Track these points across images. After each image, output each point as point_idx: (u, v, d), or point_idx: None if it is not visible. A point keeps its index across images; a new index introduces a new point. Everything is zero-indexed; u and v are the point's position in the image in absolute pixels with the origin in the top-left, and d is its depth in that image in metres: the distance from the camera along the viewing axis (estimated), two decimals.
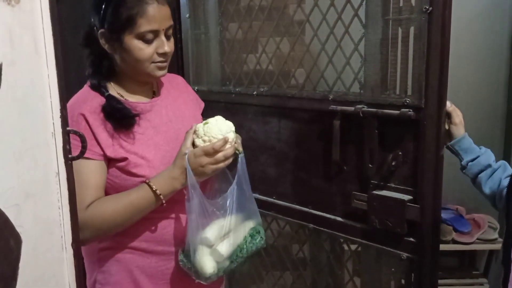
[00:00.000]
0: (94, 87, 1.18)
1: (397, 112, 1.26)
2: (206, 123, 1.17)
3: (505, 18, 2.20)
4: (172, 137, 1.22)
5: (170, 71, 1.81)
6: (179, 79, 1.42)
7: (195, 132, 1.16)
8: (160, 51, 1.14)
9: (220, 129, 1.15)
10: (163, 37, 1.15)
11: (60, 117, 0.77)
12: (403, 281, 1.38)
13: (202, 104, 1.44)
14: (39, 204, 0.74)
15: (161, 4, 1.13)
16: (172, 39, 1.19)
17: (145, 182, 1.13)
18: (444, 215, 2.29)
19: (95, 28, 1.17)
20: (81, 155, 0.84)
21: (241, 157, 1.19)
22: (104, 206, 1.11)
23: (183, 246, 1.20)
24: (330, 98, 1.43)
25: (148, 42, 1.13)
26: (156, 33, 1.13)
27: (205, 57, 1.82)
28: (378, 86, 1.31)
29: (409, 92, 1.26)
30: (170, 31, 1.18)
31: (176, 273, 1.21)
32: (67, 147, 0.79)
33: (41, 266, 0.75)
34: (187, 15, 1.80)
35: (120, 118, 1.15)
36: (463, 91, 2.21)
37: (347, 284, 1.61)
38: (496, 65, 2.28)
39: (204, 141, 1.15)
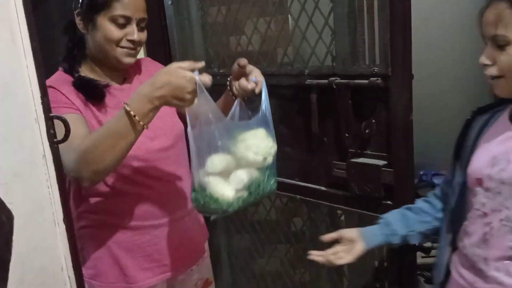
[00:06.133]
0: (65, 70, 1.24)
1: (367, 81, 1.31)
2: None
3: None
4: None
5: (157, 56, 1.86)
6: (147, 61, 1.43)
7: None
8: (129, 37, 1.20)
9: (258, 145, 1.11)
10: (134, 26, 1.20)
11: (42, 103, 0.84)
12: None
13: None
14: (27, 183, 0.81)
15: None
16: (145, 32, 1.25)
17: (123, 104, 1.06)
18: (438, 180, 2.35)
19: (74, 11, 1.22)
20: (65, 139, 0.91)
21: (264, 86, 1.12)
22: (87, 139, 1.08)
23: (164, 217, 1.25)
24: (306, 73, 1.49)
25: (120, 26, 1.19)
26: (128, 20, 1.19)
27: (190, 41, 1.88)
28: (349, 57, 1.36)
29: (377, 62, 1.31)
30: (143, 24, 1.23)
31: (152, 246, 1.27)
32: (51, 131, 0.86)
33: (33, 239, 0.82)
34: (170, 2, 1.85)
35: (92, 88, 1.21)
36: (449, 60, 2.26)
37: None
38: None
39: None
